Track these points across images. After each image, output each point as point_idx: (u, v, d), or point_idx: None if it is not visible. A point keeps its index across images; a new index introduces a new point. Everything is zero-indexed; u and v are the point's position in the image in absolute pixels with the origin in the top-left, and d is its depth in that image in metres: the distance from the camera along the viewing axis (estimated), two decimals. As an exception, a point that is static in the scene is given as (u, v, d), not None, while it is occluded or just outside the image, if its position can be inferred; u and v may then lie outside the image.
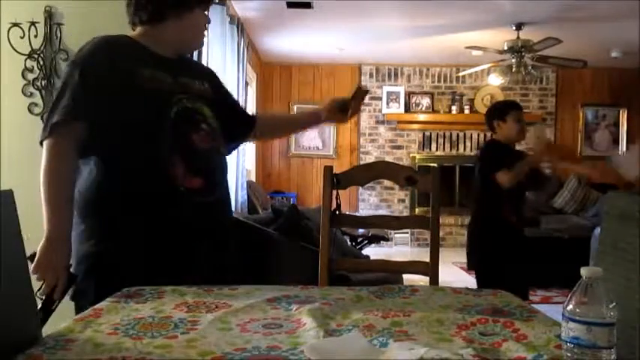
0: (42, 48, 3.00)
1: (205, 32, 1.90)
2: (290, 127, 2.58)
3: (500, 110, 3.74)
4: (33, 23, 2.98)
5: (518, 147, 3.84)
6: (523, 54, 6.05)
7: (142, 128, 1.68)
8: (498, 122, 3.67)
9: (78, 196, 1.67)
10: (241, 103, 5.21)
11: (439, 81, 8.37)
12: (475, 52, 6.38)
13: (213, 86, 1.94)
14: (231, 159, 4.71)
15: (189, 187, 1.70)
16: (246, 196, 5.29)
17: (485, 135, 8.25)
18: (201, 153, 1.76)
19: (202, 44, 1.96)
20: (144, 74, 1.71)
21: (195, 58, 4.00)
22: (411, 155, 8.32)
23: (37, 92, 3.01)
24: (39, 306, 1.50)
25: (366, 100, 8.19)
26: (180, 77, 1.80)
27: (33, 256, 1.52)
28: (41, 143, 1.63)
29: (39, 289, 1.52)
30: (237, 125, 2.05)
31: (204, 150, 1.77)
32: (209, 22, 1.87)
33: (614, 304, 0.91)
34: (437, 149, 8.33)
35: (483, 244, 3.65)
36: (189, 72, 1.86)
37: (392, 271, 2.89)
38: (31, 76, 3.01)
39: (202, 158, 1.77)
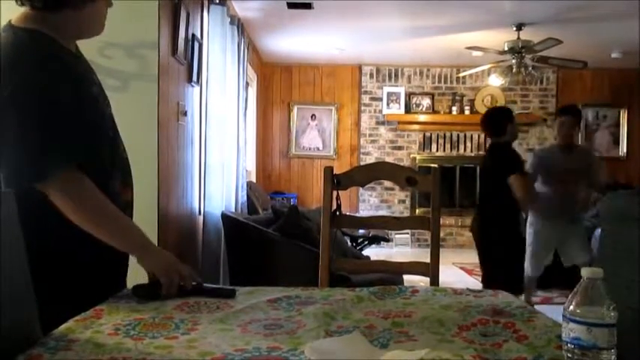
0: (42, 49, 2.98)
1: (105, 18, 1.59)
2: None
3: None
4: (33, 24, 2.97)
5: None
6: (523, 55, 6.04)
7: (90, 140, 1.48)
8: None
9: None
10: (242, 103, 5.21)
11: (439, 82, 8.37)
12: (475, 53, 6.37)
13: None
14: (231, 159, 4.71)
15: (125, 200, 1.57)
16: (246, 197, 5.29)
17: (485, 137, 8.25)
18: (127, 162, 1.62)
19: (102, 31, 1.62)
20: (82, 76, 1.53)
21: (195, 58, 4.01)
22: (412, 156, 8.31)
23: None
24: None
25: (367, 100, 8.28)
26: (96, 77, 1.62)
27: (153, 285, 1.41)
28: (32, 182, 1.35)
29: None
30: None
31: (127, 159, 1.63)
32: (111, 5, 1.58)
33: (614, 304, 0.91)
34: (437, 150, 8.33)
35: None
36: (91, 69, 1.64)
37: (392, 272, 2.88)
38: (31, 77, 2.99)
39: (128, 168, 1.62)
